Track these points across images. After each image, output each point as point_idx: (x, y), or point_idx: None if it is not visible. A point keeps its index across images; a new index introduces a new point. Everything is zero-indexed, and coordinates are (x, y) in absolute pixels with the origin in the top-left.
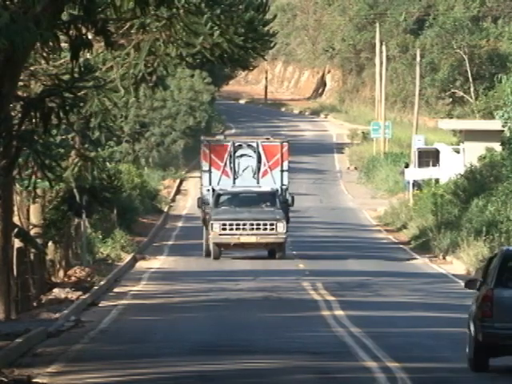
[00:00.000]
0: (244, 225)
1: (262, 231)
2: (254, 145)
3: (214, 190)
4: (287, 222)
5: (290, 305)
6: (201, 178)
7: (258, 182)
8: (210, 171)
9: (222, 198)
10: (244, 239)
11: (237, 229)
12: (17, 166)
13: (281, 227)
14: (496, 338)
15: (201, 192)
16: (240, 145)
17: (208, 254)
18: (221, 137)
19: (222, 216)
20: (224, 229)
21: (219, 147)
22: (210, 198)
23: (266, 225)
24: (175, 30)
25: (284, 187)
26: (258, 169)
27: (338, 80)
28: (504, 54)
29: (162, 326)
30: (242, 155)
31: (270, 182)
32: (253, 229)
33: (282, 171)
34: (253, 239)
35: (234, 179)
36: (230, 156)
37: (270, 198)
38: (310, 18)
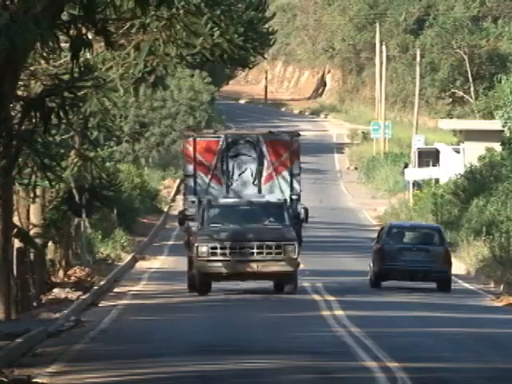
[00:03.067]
0: (241, 248)
1: (265, 256)
2: (255, 140)
3: (200, 202)
4: (300, 243)
5: (290, 305)
6: (183, 185)
7: (259, 191)
8: (194, 176)
9: (212, 213)
10: (242, 267)
11: (231, 253)
12: (17, 166)
13: (291, 251)
14: (383, 270)
15: (183, 204)
16: (235, 140)
17: (192, 288)
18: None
19: (211, 237)
20: (214, 253)
21: (207, 143)
22: (196, 213)
23: (271, 248)
24: (175, 31)
25: (295, 197)
26: (260, 172)
27: (338, 80)
28: (504, 54)
29: (162, 325)
30: (237, 154)
31: (275, 191)
32: (253, 253)
33: (292, 175)
34: (253, 267)
35: (228, 187)
36: (222, 155)
37: (276, 211)
38: (309, 17)
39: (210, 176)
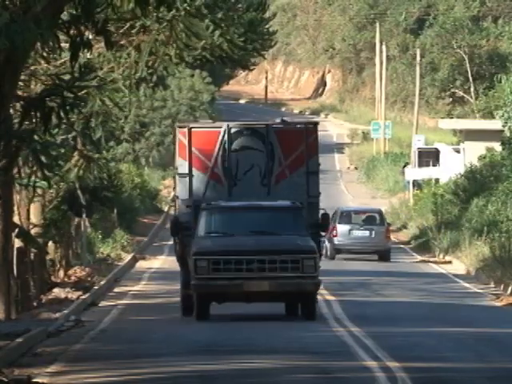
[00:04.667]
0: (249, 262)
1: (278, 273)
2: (263, 131)
3: (197, 206)
4: (319, 256)
5: None
6: (175, 186)
7: (269, 192)
8: (190, 174)
9: (212, 219)
10: (249, 286)
11: (237, 269)
12: (16, 166)
13: (310, 266)
14: (337, 245)
15: (176, 209)
16: (239, 131)
17: (188, 310)
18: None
19: (212, 248)
20: (216, 269)
21: (205, 134)
22: (192, 220)
23: (285, 262)
24: (176, 32)
25: (312, 200)
26: (270, 170)
27: (338, 80)
28: (504, 54)
29: (162, 325)
30: (242, 148)
31: (289, 192)
32: (264, 269)
33: (309, 174)
34: (264, 286)
35: (231, 187)
36: (224, 149)
37: (290, 217)
38: (310, 17)
39: (208, 174)
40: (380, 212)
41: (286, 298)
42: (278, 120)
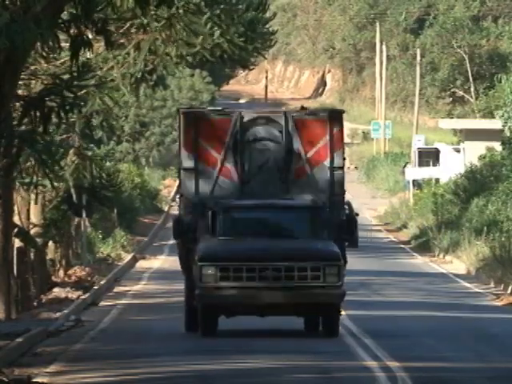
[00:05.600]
0: (262, 270)
1: (296, 282)
2: (281, 119)
3: (204, 206)
4: (344, 263)
5: None
6: (179, 182)
7: (287, 190)
8: (196, 169)
9: (221, 220)
10: (262, 297)
11: (249, 278)
12: (18, 166)
13: (333, 274)
14: None
15: (179, 209)
16: (254, 119)
17: (192, 325)
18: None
19: (221, 253)
20: (224, 277)
21: (214, 123)
22: (198, 221)
23: (305, 270)
24: (175, 30)
25: (337, 198)
26: (289, 164)
27: (339, 80)
28: (504, 54)
29: (162, 325)
30: (256, 139)
31: (310, 190)
32: (279, 278)
33: (333, 169)
34: (279, 297)
35: (243, 184)
36: (235, 140)
37: (310, 218)
38: (310, 17)
39: (218, 169)
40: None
41: (305, 312)
42: (299, 107)
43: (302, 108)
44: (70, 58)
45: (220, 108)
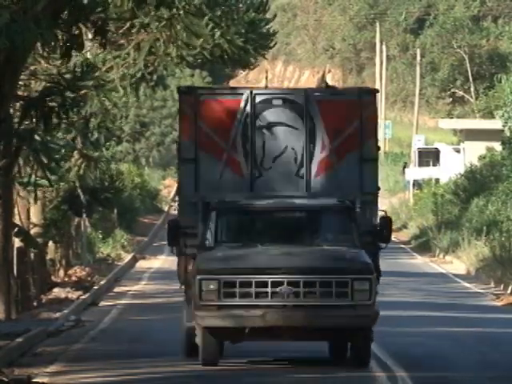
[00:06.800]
0: (276, 285)
1: (317, 301)
2: (301, 100)
3: (206, 205)
4: (378, 277)
5: None
6: (178, 177)
7: (307, 187)
8: (196, 160)
9: (226, 223)
10: (276, 319)
11: (259, 294)
12: (17, 166)
13: (363, 291)
14: None
15: (176, 209)
16: (268, 100)
17: (191, 351)
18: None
19: (225, 264)
20: (229, 294)
21: (220, 104)
22: (199, 224)
23: (328, 285)
24: (175, 31)
25: (369, 198)
26: (310, 156)
27: (339, 80)
28: (504, 54)
29: (162, 325)
30: (271, 124)
31: (336, 187)
32: (298, 294)
33: (364, 161)
34: (297, 319)
35: (254, 179)
36: (245, 126)
37: (336, 221)
38: (310, 17)
39: (223, 160)
40: None
41: (328, 337)
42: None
43: (327, 86)
44: (61, 56)
45: (227, 86)
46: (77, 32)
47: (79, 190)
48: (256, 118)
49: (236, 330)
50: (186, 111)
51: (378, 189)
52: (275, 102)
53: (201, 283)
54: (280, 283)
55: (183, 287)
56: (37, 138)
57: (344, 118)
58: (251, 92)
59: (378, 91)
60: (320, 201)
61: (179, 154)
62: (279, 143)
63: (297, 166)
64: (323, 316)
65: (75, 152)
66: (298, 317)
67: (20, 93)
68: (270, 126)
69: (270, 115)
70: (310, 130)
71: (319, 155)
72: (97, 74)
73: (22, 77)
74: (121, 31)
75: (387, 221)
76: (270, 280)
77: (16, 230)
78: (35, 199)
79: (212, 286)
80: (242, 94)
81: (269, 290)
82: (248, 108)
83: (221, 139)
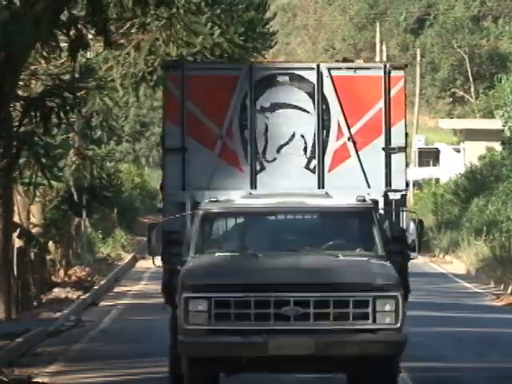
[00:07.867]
0: (280, 305)
1: (331, 324)
2: (313, 77)
3: (195, 206)
4: (406, 294)
5: None
6: (162, 170)
7: (319, 183)
8: (183, 149)
9: (219, 227)
10: (279, 347)
11: (259, 316)
12: (17, 166)
13: (387, 312)
14: None
15: (160, 211)
16: (272, 76)
17: (179, 381)
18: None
19: (217, 278)
20: (223, 316)
21: (212, 83)
22: (187, 229)
23: (344, 305)
24: (175, 30)
25: (395, 196)
26: (323, 145)
27: None
28: (504, 54)
29: (162, 325)
30: (276, 105)
31: (355, 182)
32: (306, 316)
33: (391, 150)
34: (306, 347)
35: (255, 172)
36: (244, 107)
37: (355, 225)
38: (310, 17)
39: (217, 150)
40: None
41: (345, 368)
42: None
43: (345, 60)
44: (69, 58)
45: (221, 60)
46: (83, 31)
47: (73, 190)
48: (257, 98)
49: (230, 360)
50: (172, 90)
51: (407, 185)
52: (280, 78)
53: (187, 302)
54: (285, 303)
55: (167, 306)
56: (37, 139)
57: (365, 97)
58: (251, 67)
59: (407, 66)
60: (335, 200)
61: (163, 143)
62: (285, 129)
63: (307, 158)
64: (338, 343)
65: (71, 151)
66: (307, 344)
67: (20, 93)
68: (274, 108)
69: (273, 95)
70: (324, 112)
71: (334, 144)
72: (97, 74)
73: (22, 77)
74: (121, 31)
75: (418, 225)
76: (272, 299)
77: (18, 231)
78: (33, 199)
79: (201, 307)
80: (240, 69)
81: (271, 311)
82: (246, 87)
83: (214, 124)
